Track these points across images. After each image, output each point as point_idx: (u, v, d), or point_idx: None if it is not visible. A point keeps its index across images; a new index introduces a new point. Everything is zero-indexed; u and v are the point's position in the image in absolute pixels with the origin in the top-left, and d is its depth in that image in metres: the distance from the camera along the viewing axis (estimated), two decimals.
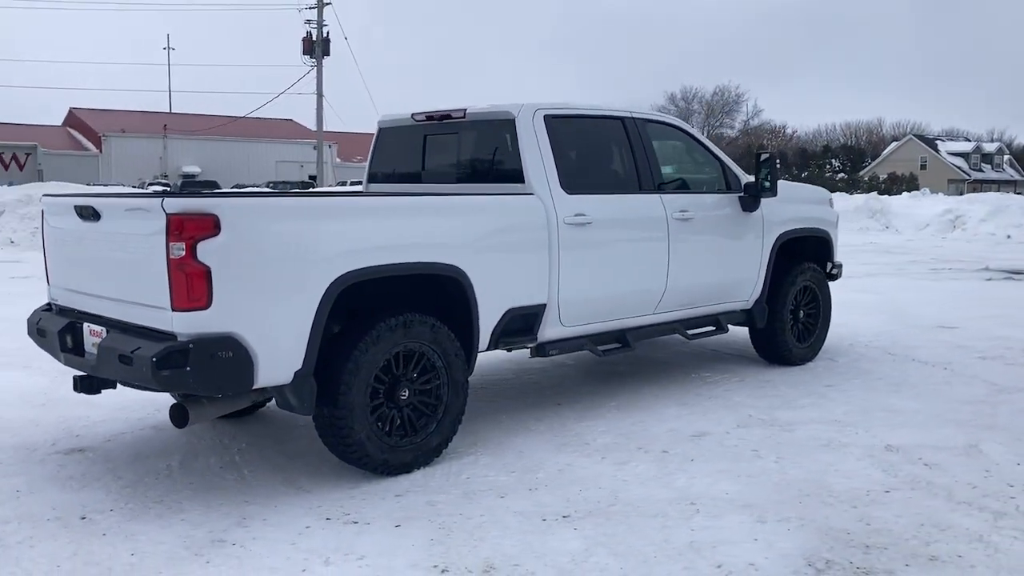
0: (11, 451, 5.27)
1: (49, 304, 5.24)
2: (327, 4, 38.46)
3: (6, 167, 47.28)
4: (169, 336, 4.15)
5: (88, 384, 4.82)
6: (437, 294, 5.06)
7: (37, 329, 5.10)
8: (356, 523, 4.17)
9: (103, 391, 4.93)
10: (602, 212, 5.76)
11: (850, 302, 11.08)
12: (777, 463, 4.95)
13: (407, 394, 4.83)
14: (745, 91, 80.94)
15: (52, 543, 3.96)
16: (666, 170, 6.65)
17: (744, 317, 7.08)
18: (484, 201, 5.35)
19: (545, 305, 5.49)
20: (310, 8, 38.59)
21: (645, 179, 6.14)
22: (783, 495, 4.46)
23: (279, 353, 4.33)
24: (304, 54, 39.14)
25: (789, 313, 7.23)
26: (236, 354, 4.18)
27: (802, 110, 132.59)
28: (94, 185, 32.74)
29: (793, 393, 6.47)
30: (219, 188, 35.07)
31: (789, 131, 78.50)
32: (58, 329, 4.82)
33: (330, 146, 52.25)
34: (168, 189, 37.66)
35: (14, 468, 4.97)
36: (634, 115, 6.26)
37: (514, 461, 5.01)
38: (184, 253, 4.05)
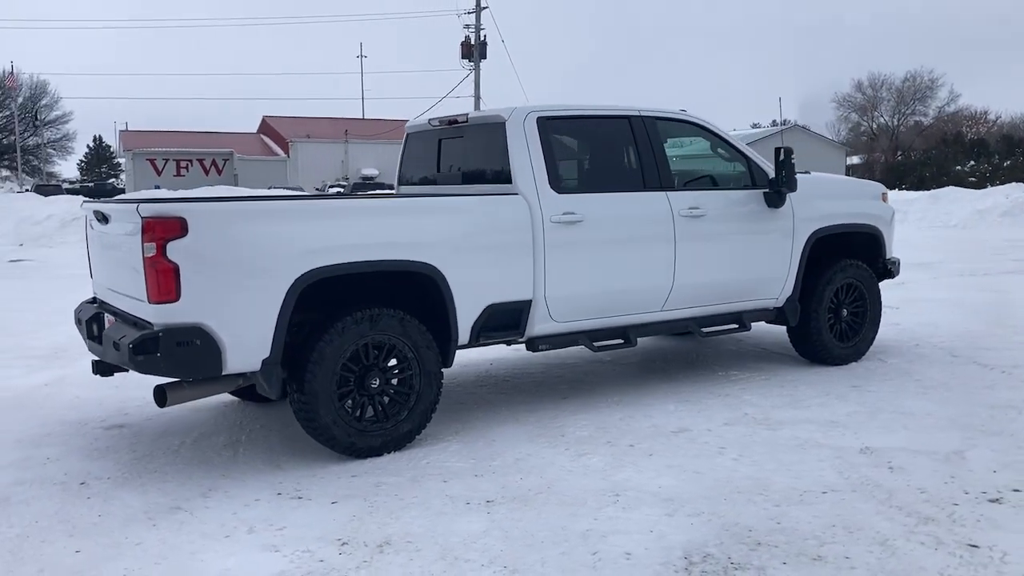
0: (67, 425, 6.02)
1: (93, 297, 5.96)
2: (484, 8, 39.59)
3: (206, 172, 51.43)
4: (148, 326, 4.70)
5: (103, 367, 5.46)
6: (413, 290, 5.37)
7: (76, 319, 5.82)
8: (300, 498, 4.56)
9: (115, 374, 5.55)
10: (595, 210, 5.89)
11: (957, 300, 10.54)
12: (734, 461, 4.95)
13: (378, 383, 5.17)
14: (940, 75, 75.38)
15: (45, 503, 4.58)
16: (683, 167, 6.67)
17: (776, 315, 6.97)
18: (459, 202, 5.63)
19: (531, 301, 5.69)
20: (468, 13, 39.83)
21: (650, 177, 6.20)
22: (715, 492, 4.49)
23: (246, 342, 4.78)
24: (463, 58, 40.40)
25: (827, 312, 7.04)
26: (204, 342, 4.66)
27: (1008, 95, 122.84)
28: (273, 188, 35.08)
29: (809, 392, 6.34)
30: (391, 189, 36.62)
31: (992, 116, 72.94)
32: (87, 319, 5.51)
33: None
34: (340, 191, 39.88)
35: (59, 439, 5.70)
36: (643, 113, 6.32)
37: (481, 449, 5.26)
38: (155, 252, 4.58)
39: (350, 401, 5.13)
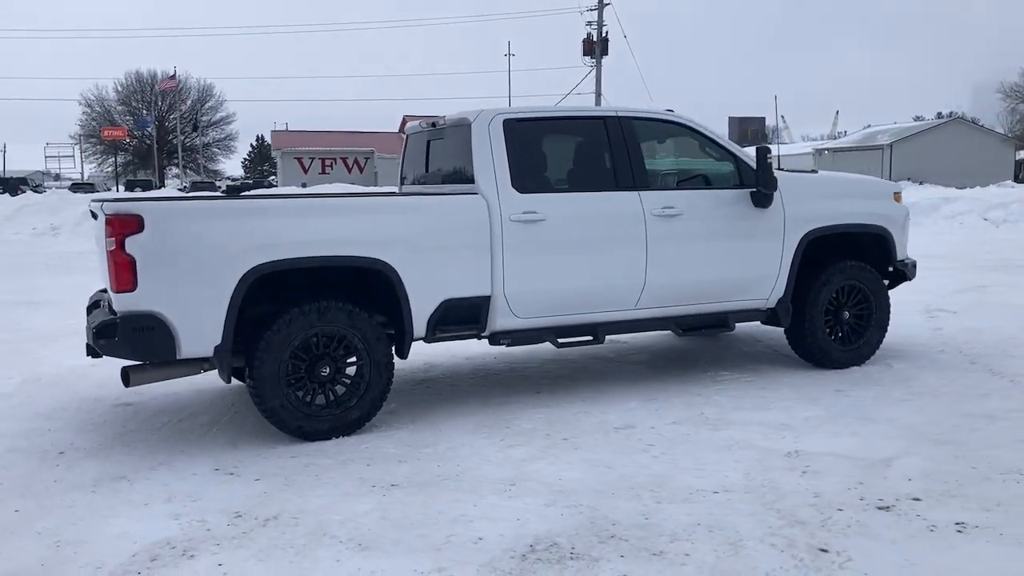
0: (83, 401, 6.65)
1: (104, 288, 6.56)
2: (607, 5, 39.50)
3: (348, 170, 53.58)
4: (113, 313, 5.21)
5: (93, 350, 6.02)
6: (368, 284, 5.68)
7: (87, 306, 6.44)
8: (231, 475, 4.95)
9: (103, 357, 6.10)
10: (558, 210, 6.04)
11: (1009, 304, 9.99)
12: (652, 459, 5.01)
13: (328, 371, 5.51)
14: None
15: (20, 468, 5.15)
16: (664, 167, 6.70)
17: (769, 316, 6.90)
18: (411, 201, 5.90)
19: (489, 297, 5.90)
20: (591, 10, 39.83)
21: (623, 177, 6.27)
22: (609, 486, 4.59)
23: (198, 330, 5.22)
24: (584, 55, 40.46)
25: (823, 314, 6.90)
26: (158, 329, 5.13)
27: None
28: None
29: (785, 395, 6.27)
30: None
31: None
32: (88, 305, 6.10)
33: None
34: None
35: (69, 413, 6.33)
36: (620, 114, 6.40)
37: (424, 438, 5.51)
38: (115, 246, 5.07)
39: (301, 387, 5.48)
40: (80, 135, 77.74)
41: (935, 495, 4.36)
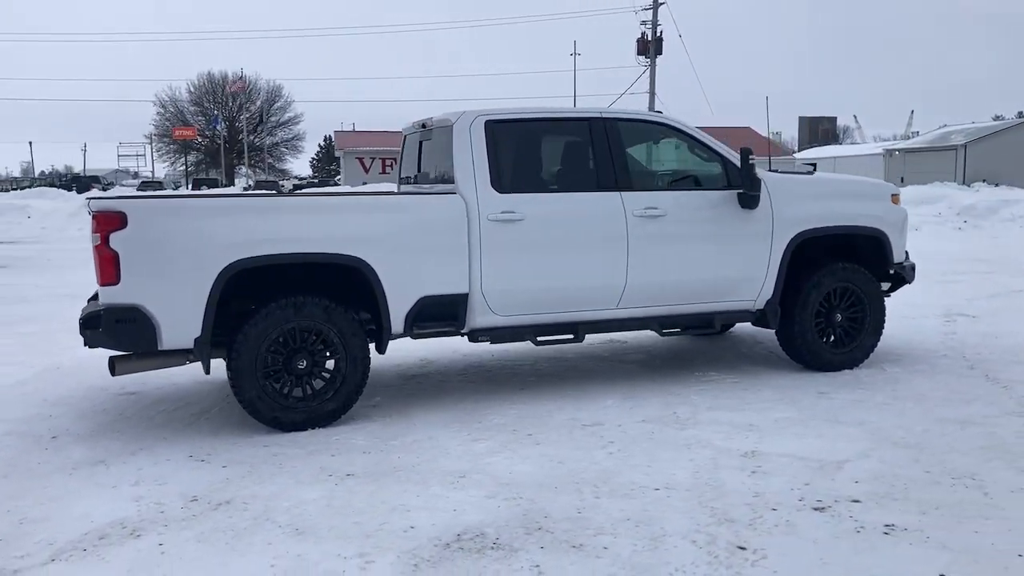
0: (90, 390, 6.96)
1: None
2: (662, 4, 39.21)
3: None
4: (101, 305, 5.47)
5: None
6: (347, 281, 5.85)
7: (88, 299, 6.74)
8: (201, 461, 5.16)
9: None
10: (537, 209, 6.13)
11: None
12: (608, 455, 5.08)
13: (305, 364, 5.70)
14: None
15: (13, 451, 5.43)
16: (650, 168, 6.75)
17: (758, 317, 6.89)
18: (388, 200, 6.07)
19: (467, 295, 6.02)
20: (645, 9, 39.58)
21: (605, 177, 6.34)
22: (555, 481, 4.67)
23: (179, 323, 5.45)
24: (638, 55, 40.23)
25: (813, 316, 6.86)
26: (140, 321, 5.37)
27: None
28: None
29: (766, 396, 6.27)
30: None
31: None
32: (89, 298, 6.39)
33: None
34: None
35: (74, 401, 6.63)
36: (604, 115, 6.47)
37: (394, 431, 5.66)
38: (100, 241, 5.33)
39: (279, 379, 5.67)
40: (154, 135, 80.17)
41: (876, 497, 4.36)
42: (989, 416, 5.72)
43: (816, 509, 4.23)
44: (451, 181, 6.17)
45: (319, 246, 5.68)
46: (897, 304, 9.69)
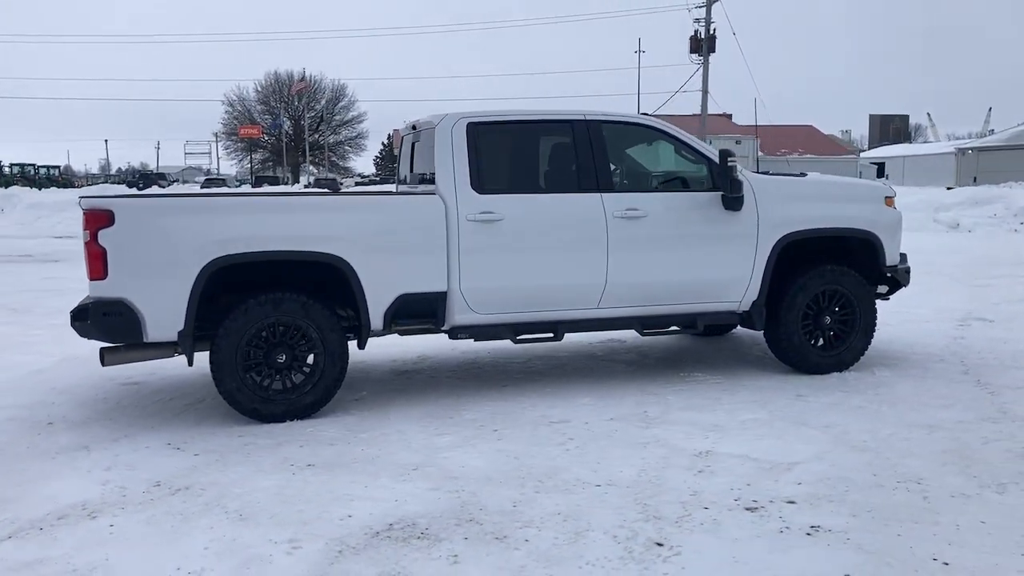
0: (99, 379, 7.26)
1: None
2: (715, 1, 38.77)
3: None
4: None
5: None
6: (327, 278, 6.04)
7: None
8: (177, 449, 5.40)
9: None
10: (516, 210, 6.25)
11: None
12: (564, 452, 5.18)
13: (284, 358, 5.91)
14: None
15: (8, 436, 5.72)
16: (634, 170, 6.82)
17: (744, 319, 6.91)
18: (366, 200, 6.25)
19: (446, 293, 6.17)
20: (699, 7, 39.22)
21: (586, 179, 6.43)
22: (502, 475, 4.79)
23: (163, 316, 5.70)
24: (691, 52, 39.89)
25: (800, 318, 6.85)
26: (125, 314, 5.64)
27: None
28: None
29: (741, 398, 6.29)
30: None
31: None
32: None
33: (755, 139, 52.41)
34: None
35: (80, 389, 6.95)
36: (588, 117, 6.55)
37: (367, 425, 5.83)
38: (89, 238, 5.61)
39: (260, 372, 5.90)
40: (224, 133, 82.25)
41: (813, 499, 4.38)
42: (963, 421, 5.67)
43: (748, 509, 4.28)
44: (428, 181, 6.32)
45: (298, 244, 5.87)
46: (915, 307, 9.62)
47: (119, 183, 55.53)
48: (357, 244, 5.95)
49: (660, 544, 3.89)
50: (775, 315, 6.86)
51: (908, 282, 7.29)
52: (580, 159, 6.46)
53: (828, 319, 6.97)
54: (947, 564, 3.68)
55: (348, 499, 4.48)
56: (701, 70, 38.99)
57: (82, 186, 58.30)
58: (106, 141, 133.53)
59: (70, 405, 6.48)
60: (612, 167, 6.61)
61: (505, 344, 7.82)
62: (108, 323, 5.65)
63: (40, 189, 40.24)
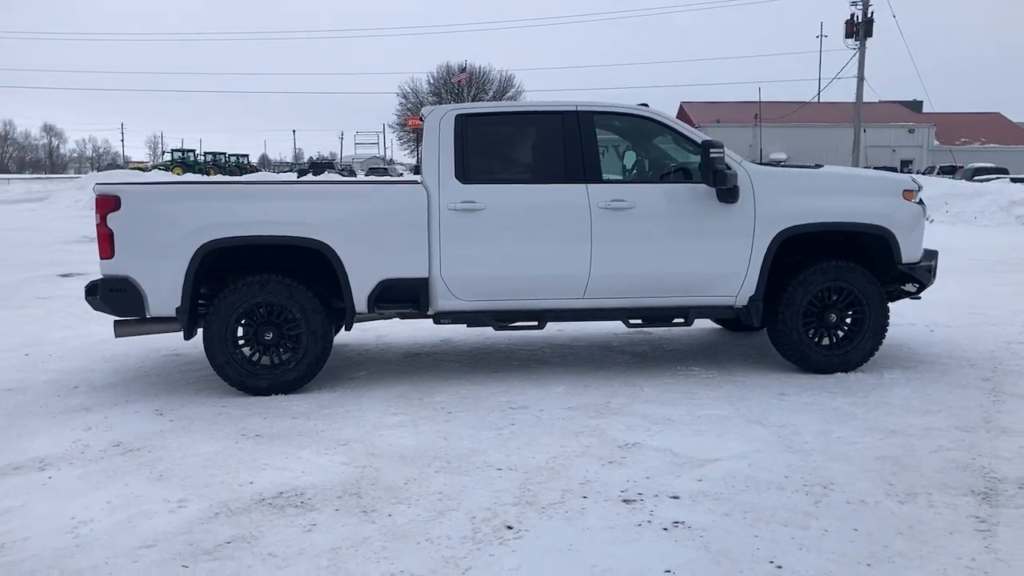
0: (147, 350, 7.94)
1: None
2: None
3: (621, 157, 54.31)
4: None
5: None
6: (313, 262, 6.40)
7: None
8: (160, 416, 5.90)
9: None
10: (498, 200, 6.40)
11: None
12: (496, 435, 5.31)
13: (271, 336, 6.33)
14: None
15: (33, 396, 6.42)
16: (627, 161, 6.80)
17: (744, 314, 6.77)
18: (351, 188, 6.56)
19: (427, 279, 6.40)
20: None
21: (573, 170, 6.48)
22: (420, 454, 4.98)
23: (162, 293, 6.23)
24: (847, 37, 37.88)
25: (800, 315, 6.64)
26: (129, 291, 6.21)
27: None
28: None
29: (720, 394, 6.18)
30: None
31: None
32: None
33: (930, 128, 49.51)
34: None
35: (123, 359, 7.63)
36: (580, 108, 6.60)
37: (338, 402, 6.13)
38: (99, 221, 6.21)
39: (248, 347, 6.34)
40: (397, 124, 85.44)
41: (700, 496, 4.33)
42: (931, 428, 5.38)
43: (626, 501, 4.29)
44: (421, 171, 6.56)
45: (286, 230, 6.25)
46: (993, 309, 9.06)
47: (300, 172, 58.83)
48: (340, 231, 6.26)
49: (510, 528, 3.99)
50: (776, 312, 6.67)
51: (931, 281, 6.89)
52: (568, 150, 6.51)
53: (833, 317, 6.70)
54: (780, 568, 3.60)
55: (262, 468, 4.80)
56: (857, 55, 37.09)
57: (279, 172, 62.36)
58: (294, 132, 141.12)
59: (105, 372, 7.15)
60: (602, 158, 6.61)
61: (526, 332, 7.99)
62: (114, 298, 6.22)
63: (197, 173, 43.22)
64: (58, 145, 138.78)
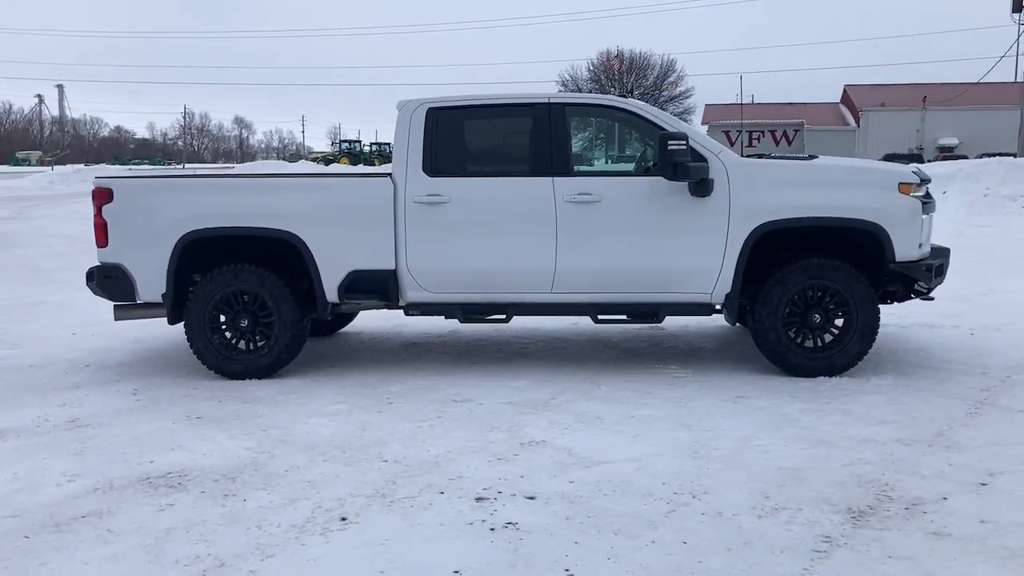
0: (176, 332, 8.46)
1: None
2: None
3: (776, 142, 52.55)
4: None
5: None
6: (286, 252, 6.64)
7: None
8: (132, 396, 6.28)
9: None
10: (463, 193, 6.44)
11: None
12: (415, 427, 5.36)
13: (247, 322, 6.63)
14: None
15: (45, 373, 7.00)
16: (598, 154, 6.65)
17: (720, 311, 6.53)
18: (318, 181, 6.72)
19: (394, 271, 6.53)
20: None
21: (540, 163, 6.42)
22: (329, 442, 5.12)
23: (150, 280, 6.65)
24: (1014, 12, 34.77)
25: (778, 315, 6.32)
26: (121, 277, 6.67)
27: None
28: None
29: (675, 396, 5.98)
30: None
31: None
32: None
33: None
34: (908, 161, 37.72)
35: (150, 342, 8.15)
36: (552, 100, 6.53)
37: (299, 389, 6.32)
38: (96, 212, 6.70)
39: (227, 333, 6.66)
40: None
41: (555, 498, 4.23)
42: (868, 440, 5.02)
43: (478, 499, 4.25)
44: None
45: (258, 221, 6.53)
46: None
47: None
48: (310, 222, 6.47)
49: (344, 519, 4.05)
50: (749, 309, 6.38)
51: (932, 281, 6.38)
52: (536, 142, 6.45)
53: (817, 318, 6.33)
54: (570, 574, 3.50)
55: (171, 448, 5.07)
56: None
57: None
58: None
59: (125, 353, 7.68)
60: (572, 150, 6.50)
61: (529, 325, 8.00)
62: (108, 284, 6.68)
63: (363, 164, 44.91)
64: (247, 136, 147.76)
